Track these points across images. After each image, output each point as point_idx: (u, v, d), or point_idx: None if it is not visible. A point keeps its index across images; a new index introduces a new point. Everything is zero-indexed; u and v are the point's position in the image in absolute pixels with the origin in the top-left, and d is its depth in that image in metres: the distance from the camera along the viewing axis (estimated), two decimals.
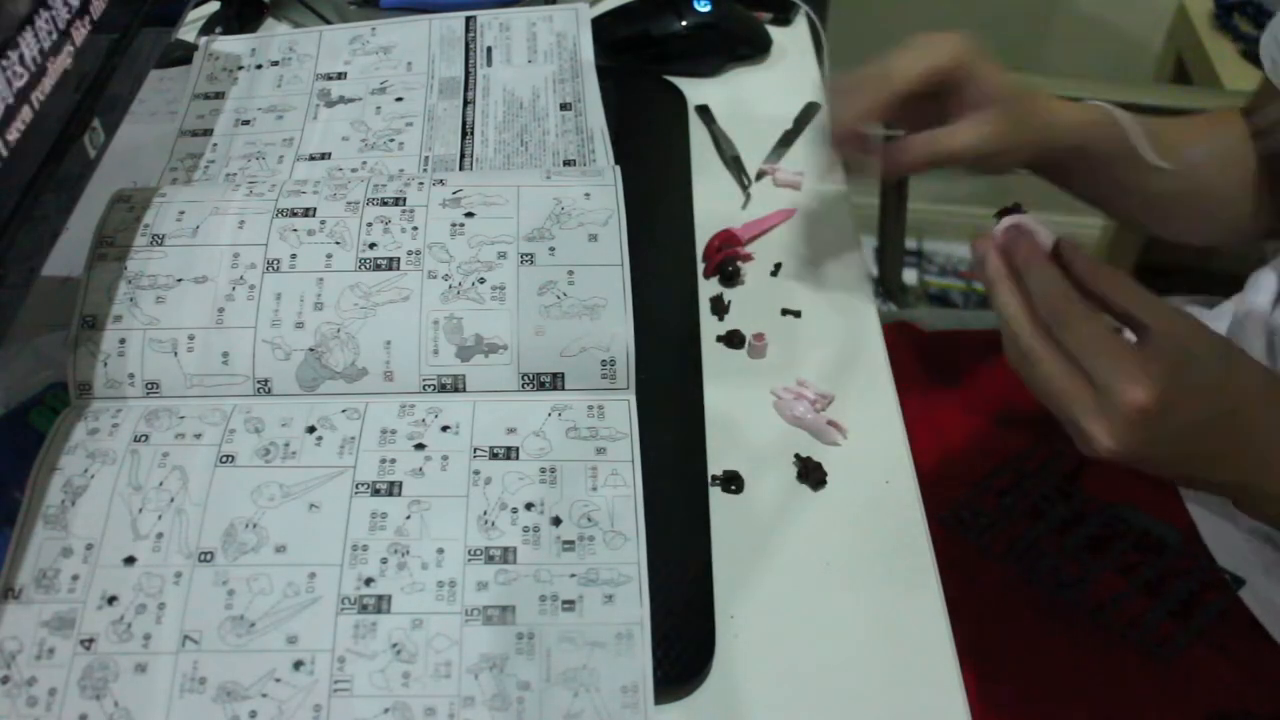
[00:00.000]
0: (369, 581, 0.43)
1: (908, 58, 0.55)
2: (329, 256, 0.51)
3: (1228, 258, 0.83)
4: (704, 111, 0.74)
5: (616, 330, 0.49)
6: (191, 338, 0.49)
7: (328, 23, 0.78)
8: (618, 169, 0.55)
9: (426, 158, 0.61)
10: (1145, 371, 0.43)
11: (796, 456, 0.53)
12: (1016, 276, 0.47)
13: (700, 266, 0.62)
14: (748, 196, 0.68)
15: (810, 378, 0.57)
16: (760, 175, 0.69)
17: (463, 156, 0.61)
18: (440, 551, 0.44)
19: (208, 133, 0.63)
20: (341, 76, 0.66)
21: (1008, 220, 0.49)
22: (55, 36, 0.43)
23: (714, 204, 0.67)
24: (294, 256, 0.51)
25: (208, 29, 0.79)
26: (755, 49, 0.79)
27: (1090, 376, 0.44)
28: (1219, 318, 0.72)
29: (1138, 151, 0.61)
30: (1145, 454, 0.44)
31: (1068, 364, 0.44)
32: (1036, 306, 0.46)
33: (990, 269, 0.48)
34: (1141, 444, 0.43)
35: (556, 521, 0.45)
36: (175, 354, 0.49)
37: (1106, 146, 0.61)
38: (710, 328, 0.59)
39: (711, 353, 0.58)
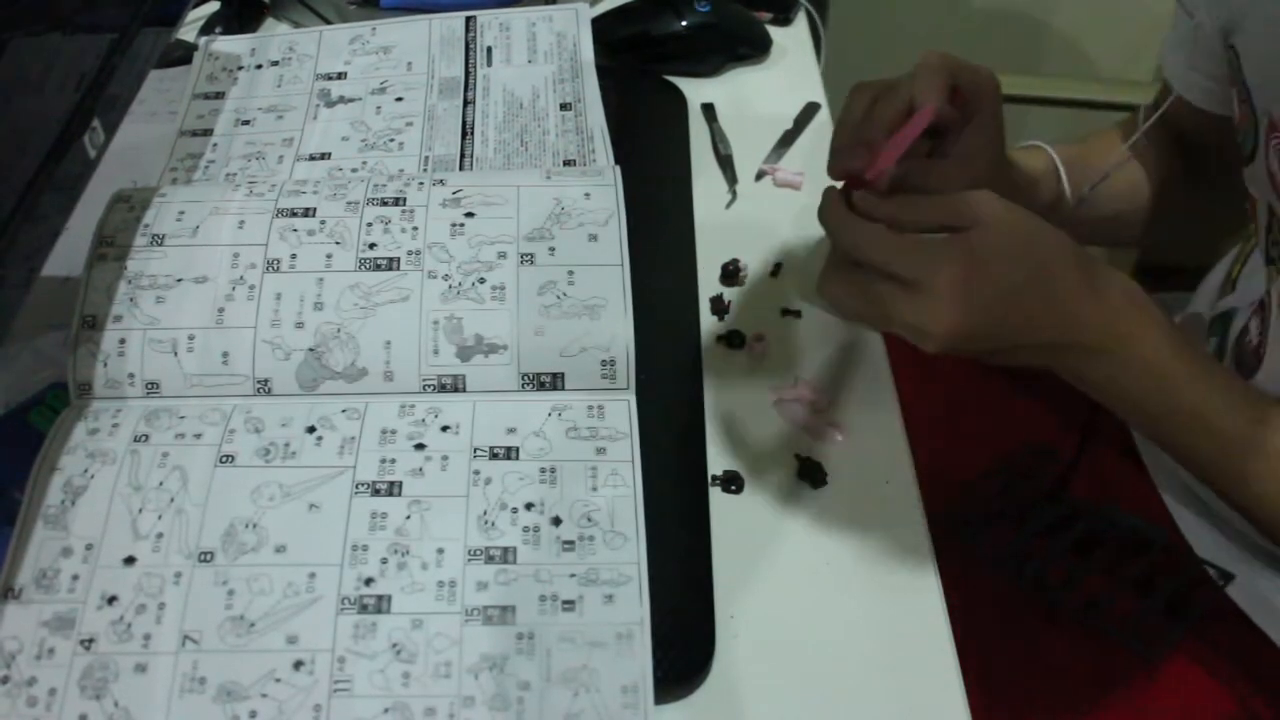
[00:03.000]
0: (369, 581, 0.43)
1: (955, 58, 0.55)
2: (329, 256, 0.51)
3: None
4: (708, 110, 0.74)
5: (616, 330, 0.49)
6: (191, 338, 0.49)
7: (328, 23, 0.78)
8: (618, 169, 0.55)
9: (426, 158, 0.61)
10: (946, 255, 0.46)
11: (796, 456, 0.53)
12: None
13: (701, 270, 0.62)
14: (733, 196, 0.68)
15: (810, 378, 0.57)
16: (760, 175, 0.69)
17: (463, 156, 0.61)
18: (440, 551, 0.44)
19: (208, 133, 0.63)
20: (341, 76, 0.66)
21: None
22: None
23: (708, 203, 0.67)
24: (294, 256, 0.51)
25: (207, 29, 0.80)
26: (755, 49, 0.79)
27: (903, 280, 0.47)
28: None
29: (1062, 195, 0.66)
30: (972, 328, 0.47)
31: (881, 280, 0.47)
32: (840, 245, 0.49)
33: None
34: (965, 319, 0.46)
35: (556, 521, 0.45)
36: (175, 354, 0.49)
37: (1048, 189, 0.66)
38: (710, 328, 0.59)
39: (711, 353, 0.58)
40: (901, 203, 0.49)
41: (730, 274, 0.62)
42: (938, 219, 0.48)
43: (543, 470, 0.46)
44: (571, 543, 0.44)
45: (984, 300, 0.46)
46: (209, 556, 0.43)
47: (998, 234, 0.47)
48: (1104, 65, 1.64)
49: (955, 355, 0.48)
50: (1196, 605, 0.60)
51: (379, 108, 0.64)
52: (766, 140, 0.72)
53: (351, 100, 0.64)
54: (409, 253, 0.51)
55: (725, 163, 0.70)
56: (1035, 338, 0.49)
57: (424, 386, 0.49)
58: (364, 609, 0.42)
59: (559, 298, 0.50)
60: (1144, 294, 0.51)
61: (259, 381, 0.49)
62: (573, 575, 0.43)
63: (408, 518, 0.45)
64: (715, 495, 0.51)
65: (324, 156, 0.61)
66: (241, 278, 0.50)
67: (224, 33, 0.78)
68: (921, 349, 0.48)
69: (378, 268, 0.50)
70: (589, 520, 0.45)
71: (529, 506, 0.45)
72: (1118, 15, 1.60)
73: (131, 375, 0.48)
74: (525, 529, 0.44)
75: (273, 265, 0.50)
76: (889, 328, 0.49)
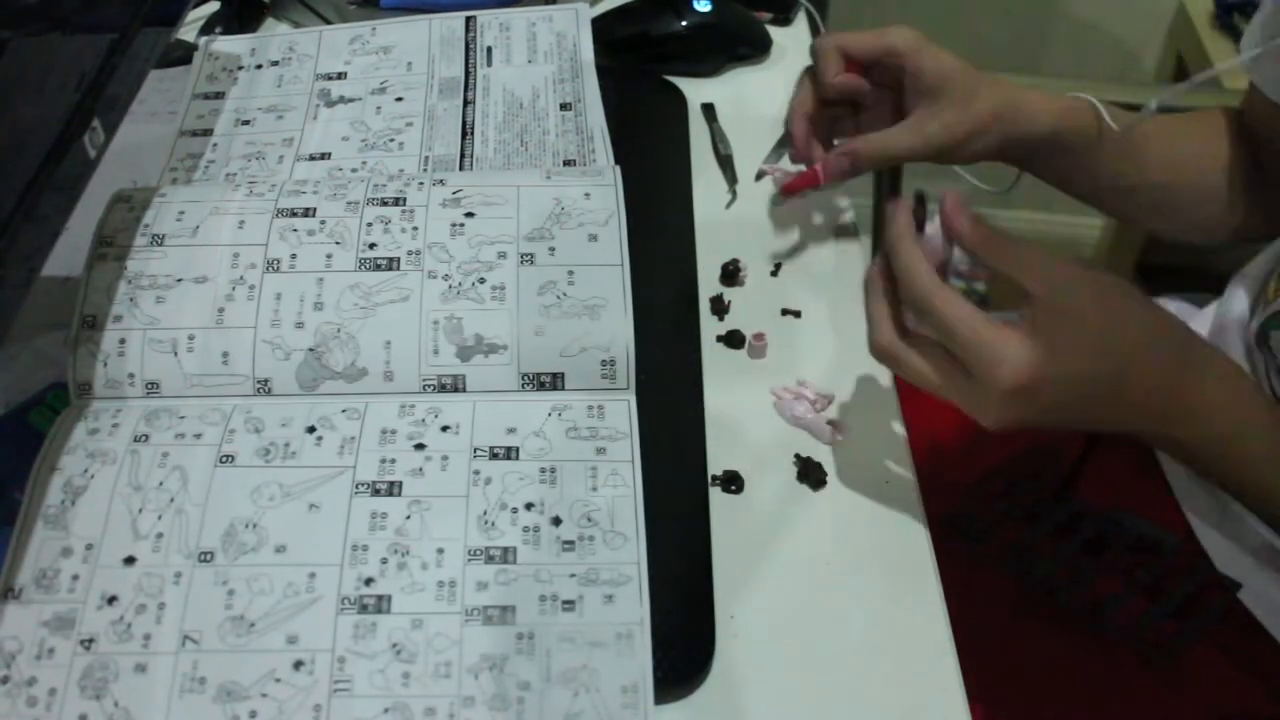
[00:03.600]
0: (369, 581, 0.43)
1: (852, 38, 0.59)
2: (329, 256, 0.51)
3: (1226, 257, 0.83)
4: (708, 110, 0.74)
5: (616, 330, 0.49)
6: (191, 338, 0.49)
7: (328, 23, 0.78)
8: (618, 169, 0.55)
9: (426, 158, 0.61)
10: (1016, 350, 0.43)
11: (796, 456, 0.53)
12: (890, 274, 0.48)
13: (701, 270, 0.62)
14: (734, 195, 0.68)
15: (810, 378, 0.57)
16: (760, 175, 0.69)
17: (463, 156, 0.61)
18: (440, 551, 0.44)
19: (208, 133, 0.63)
20: (341, 76, 0.66)
21: (895, 202, 0.49)
22: None
23: (708, 203, 0.67)
24: (294, 256, 0.51)
25: (207, 29, 0.80)
26: (755, 49, 0.79)
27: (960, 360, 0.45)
28: (1201, 322, 0.73)
29: (1109, 138, 0.62)
30: (1031, 422, 0.45)
31: (936, 352, 0.46)
32: (900, 290, 0.47)
33: (871, 268, 0.49)
34: (1023, 416, 0.45)
35: (556, 521, 0.45)
36: (175, 354, 0.49)
37: (1080, 132, 0.62)
38: (710, 328, 0.59)
39: (711, 353, 0.58)
40: (982, 238, 0.47)
41: (730, 274, 0.62)
42: (1010, 273, 0.45)
43: (543, 470, 0.46)
44: (571, 543, 0.44)
45: (1051, 401, 0.44)
46: (209, 556, 0.43)
47: (1077, 322, 0.44)
48: (1104, 65, 1.63)
49: None
50: (1207, 610, 0.59)
51: (379, 108, 0.64)
52: (766, 140, 0.71)
53: (351, 100, 0.64)
54: (409, 253, 0.51)
55: (725, 163, 0.70)
56: (1119, 427, 0.48)
57: (424, 386, 0.49)
58: (364, 609, 0.42)
59: (559, 298, 0.50)
60: (1244, 374, 0.50)
61: (259, 381, 0.49)
62: (573, 575, 0.43)
63: (408, 518, 0.45)
64: (715, 495, 0.51)
65: (324, 156, 0.61)
66: (241, 278, 0.50)
67: (224, 33, 0.78)
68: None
69: (378, 268, 0.50)
70: (589, 520, 0.45)
71: (529, 506, 0.45)
72: (1118, 15, 1.60)
73: (131, 375, 0.48)
74: (525, 529, 0.44)
75: (273, 265, 0.50)
76: (945, 399, 0.47)
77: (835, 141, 0.63)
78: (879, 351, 0.48)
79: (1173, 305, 0.78)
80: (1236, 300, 0.67)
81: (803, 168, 0.69)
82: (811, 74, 0.60)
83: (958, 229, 0.47)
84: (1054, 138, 0.61)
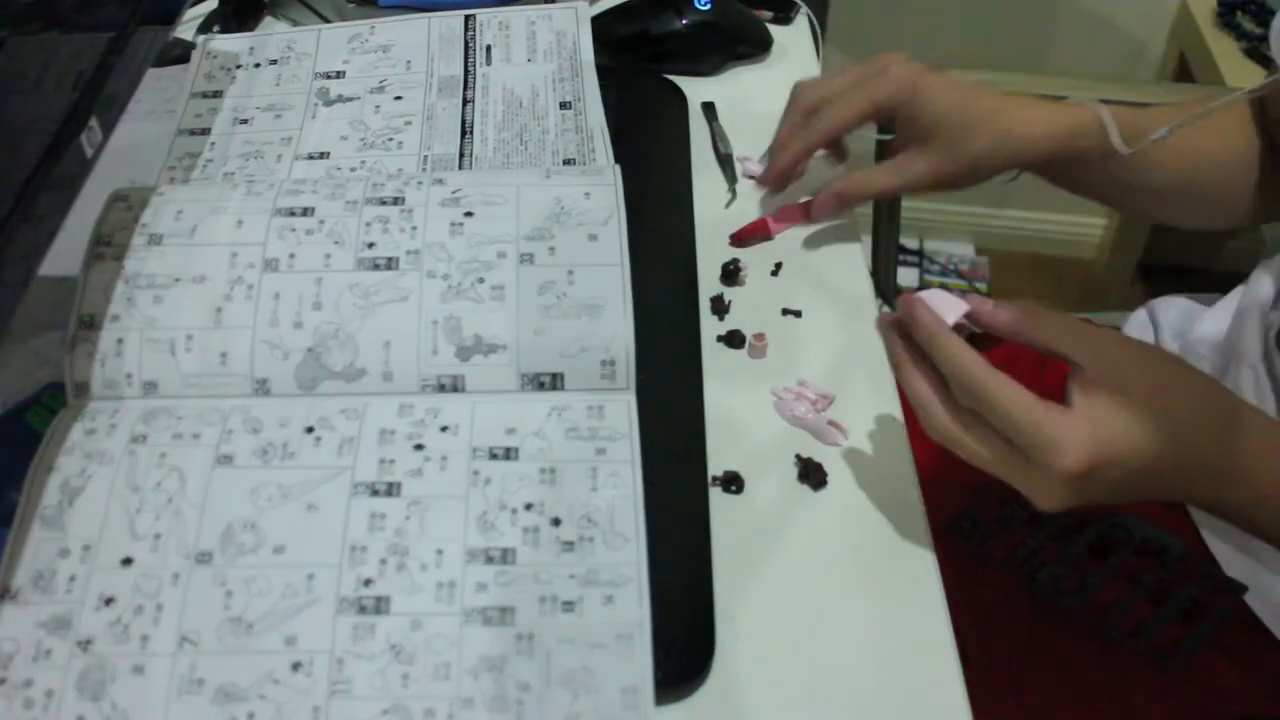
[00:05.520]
0: (368, 582, 0.43)
1: (841, 105, 0.61)
2: (327, 256, 0.50)
3: (1229, 256, 0.83)
4: (708, 109, 0.74)
5: (616, 330, 0.49)
6: (189, 337, 0.49)
7: (326, 21, 0.78)
8: (617, 168, 0.55)
9: (425, 157, 0.61)
10: (1072, 436, 0.43)
11: (797, 457, 0.53)
12: (921, 355, 0.48)
13: (701, 270, 0.62)
14: (733, 195, 0.68)
15: (810, 378, 0.57)
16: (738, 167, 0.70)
17: (462, 156, 0.61)
18: (439, 552, 0.44)
19: (206, 132, 0.63)
20: (340, 75, 0.66)
21: (906, 298, 0.49)
22: None
23: (708, 203, 0.67)
24: (292, 256, 0.50)
25: (205, 27, 0.79)
26: (755, 48, 0.79)
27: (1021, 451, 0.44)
28: (1220, 312, 0.72)
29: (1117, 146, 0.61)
30: (1093, 501, 0.45)
31: (994, 436, 0.45)
32: (953, 384, 0.46)
33: (895, 352, 0.49)
34: (1084, 496, 0.44)
35: (556, 522, 0.44)
36: (173, 354, 0.48)
37: (1087, 149, 0.61)
38: (710, 328, 0.59)
39: (711, 353, 0.58)
40: (1027, 320, 0.46)
41: (730, 274, 0.62)
42: (1059, 350, 0.46)
43: (542, 471, 0.46)
44: (571, 543, 0.44)
45: (1111, 482, 0.44)
46: (207, 557, 0.43)
47: (1131, 399, 0.44)
48: (1107, 63, 1.64)
49: None
50: (1213, 614, 0.59)
51: (378, 107, 0.64)
52: (767, 139, 0.71)
53: (350, 99, 0.64)
54: (408, 252, 0.51)
55: (725, 162, 0.70)
56: (1173, 497, 0.49)
57: (423, 387, 0.49)
58: (363, 610, 0.42)
59: (559, 297, 0.49)
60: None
61: (257, 381, 0.48)
62: (572, 576, 0.43)
63: (407, 518, 0.44)
64: (715, 495, 0.51)
65: (323, 156, 0.61)
66: (240, 277, 0.50)
67: (222, 31, 0.78)
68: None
69: (376, 267, 0.50)
70: (589, 521, 0.44)
71: (528, 507, 0.45)
72: (1120, 13, 1.60)
73: (129, 375, 0.48)
74: (525, 529, 0.44)
75: (271, 265, 0.50)
76: (1006, 480, 0.47)
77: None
78: (940, 438, 0.48)
79: (1176, 305, 0.77)
80: (1262, 286, 0.66)
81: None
82: (809, 115, 0.63)
83: (998, 325, 0.47)
84: (1059, 155, 0.61)
